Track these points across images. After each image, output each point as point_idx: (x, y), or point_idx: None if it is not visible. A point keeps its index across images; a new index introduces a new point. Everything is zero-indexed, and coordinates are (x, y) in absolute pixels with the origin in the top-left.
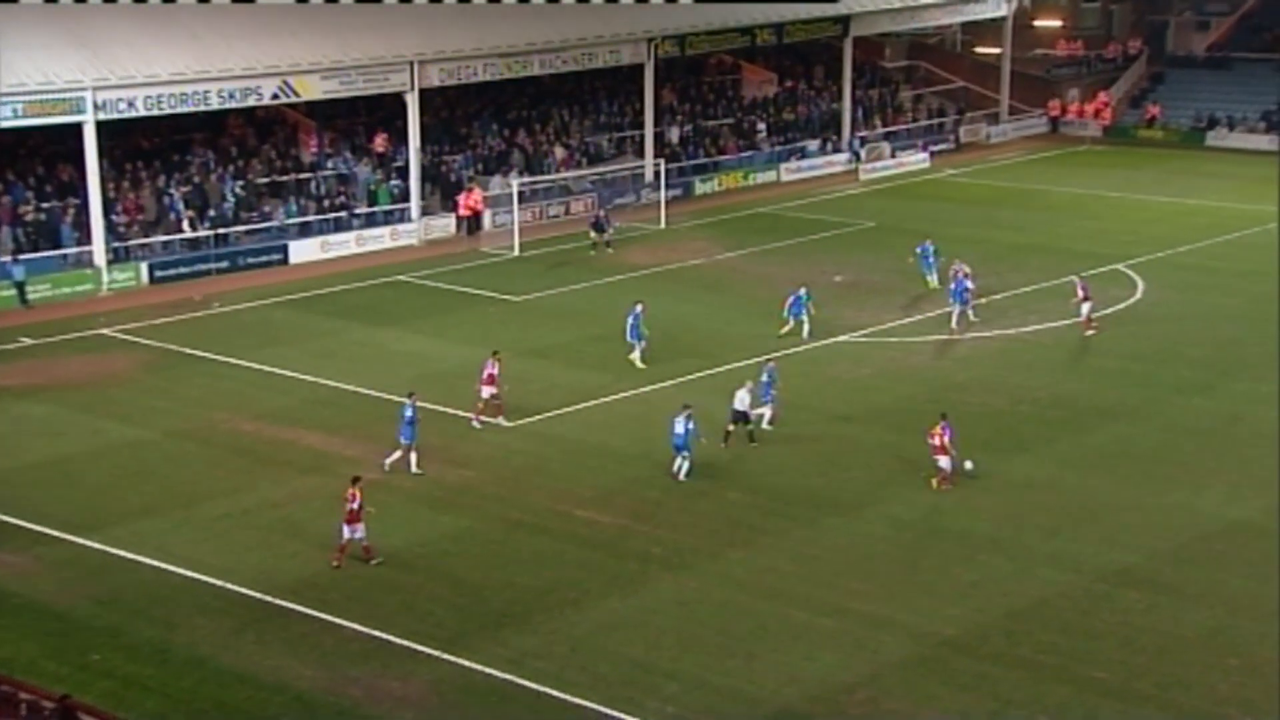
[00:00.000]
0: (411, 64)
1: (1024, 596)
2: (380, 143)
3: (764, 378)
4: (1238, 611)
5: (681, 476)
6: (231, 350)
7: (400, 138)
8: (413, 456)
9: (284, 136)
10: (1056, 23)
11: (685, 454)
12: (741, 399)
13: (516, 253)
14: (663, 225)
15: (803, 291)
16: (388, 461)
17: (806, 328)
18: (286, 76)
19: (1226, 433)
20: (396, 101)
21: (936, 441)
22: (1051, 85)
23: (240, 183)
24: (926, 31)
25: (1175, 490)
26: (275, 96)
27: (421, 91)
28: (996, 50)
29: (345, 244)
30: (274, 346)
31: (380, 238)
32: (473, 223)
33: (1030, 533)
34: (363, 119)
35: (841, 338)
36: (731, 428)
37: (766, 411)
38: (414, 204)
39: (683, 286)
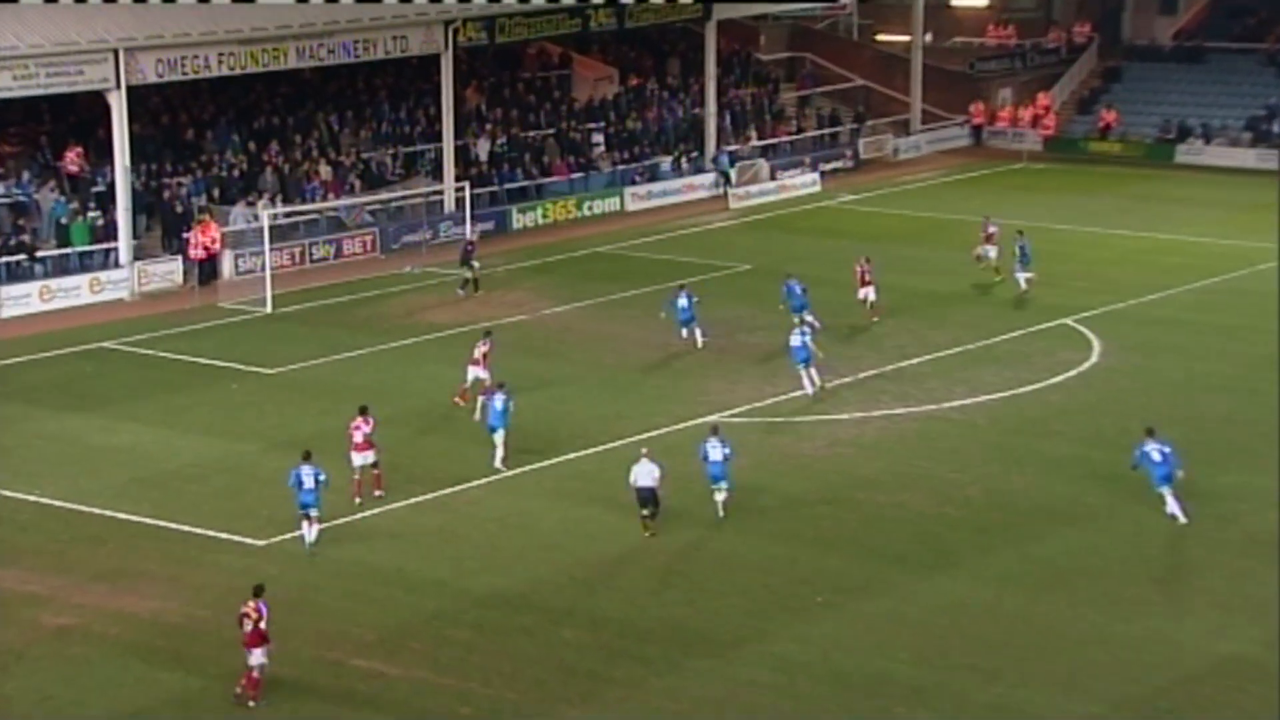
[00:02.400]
0: (116, 52)
1: None
2: (73, 160)
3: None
4: None
5: (720, 513)
6: None
7: (102, 153)
8: (313, 529)
9: None
10: (982, 2)
11: (722, 485)
12: (647, 473)
13: (269, 309)
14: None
15: (682, 300)
16: (308, 537)
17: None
18: None
19: (1213, 540)
20: (97, 104)
21: None
22: (977, 84)
23: None
24: (813, 14)
25: (1149, 617)
26: None
27: (131, 90)
28: (906, 38)
29: (24, 299)
30: None
31: (75, 290)
32: (207, 268)
33: (963, 676)
34: (47, 128)
35: (710, 418)
36: (645, 513)
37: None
38: (123, 243)
39: (499, 351)
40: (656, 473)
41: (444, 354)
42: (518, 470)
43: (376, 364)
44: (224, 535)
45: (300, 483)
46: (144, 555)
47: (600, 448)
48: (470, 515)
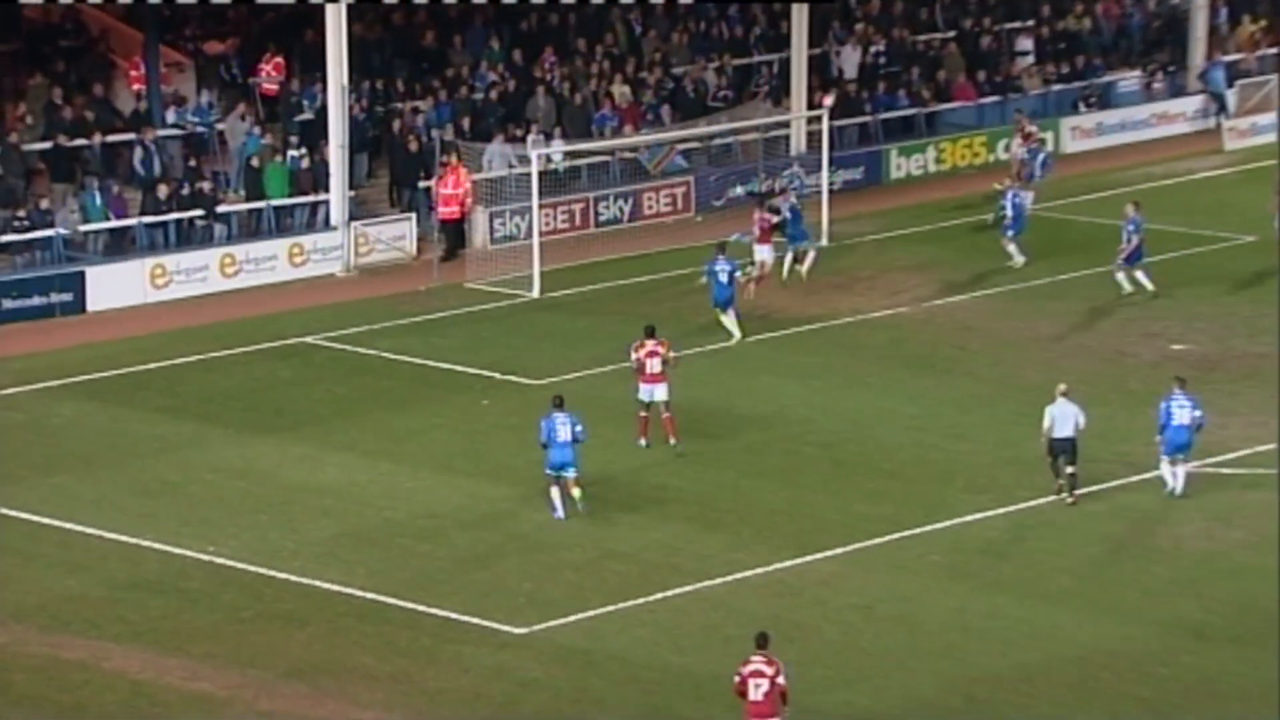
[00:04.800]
0: None
1: None
2: (270, 75)
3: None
4: None
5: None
6: None
7: (310, 66)
8: (575, 492)
9: (82, 63)
10: None
11: (1178, 458)
12: (1066, 417)
13: (535, 292)
14: (825, 239)
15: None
16: (558, 511)
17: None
18: None
19: None
20: (300, 2)
21: None
22: None
23: None
24: None
25: None
26: None
27: None
28: None
29: (199, 274)
30: (53, 474)
31: (269, 261)
32: (451, 232)
33: None
34: (232, 31)
35: (1188, 466)
36: (1069, 471)
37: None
38: (336, 195)
39: (863, 360)
40: (1080, 418)
41: (783, 360)
42: (890, 536)
43: (686, 374)
44: (468, 618)
45: (553, 436)
46: (357, 643)
47: (1014, 506)
48: (820, 599)
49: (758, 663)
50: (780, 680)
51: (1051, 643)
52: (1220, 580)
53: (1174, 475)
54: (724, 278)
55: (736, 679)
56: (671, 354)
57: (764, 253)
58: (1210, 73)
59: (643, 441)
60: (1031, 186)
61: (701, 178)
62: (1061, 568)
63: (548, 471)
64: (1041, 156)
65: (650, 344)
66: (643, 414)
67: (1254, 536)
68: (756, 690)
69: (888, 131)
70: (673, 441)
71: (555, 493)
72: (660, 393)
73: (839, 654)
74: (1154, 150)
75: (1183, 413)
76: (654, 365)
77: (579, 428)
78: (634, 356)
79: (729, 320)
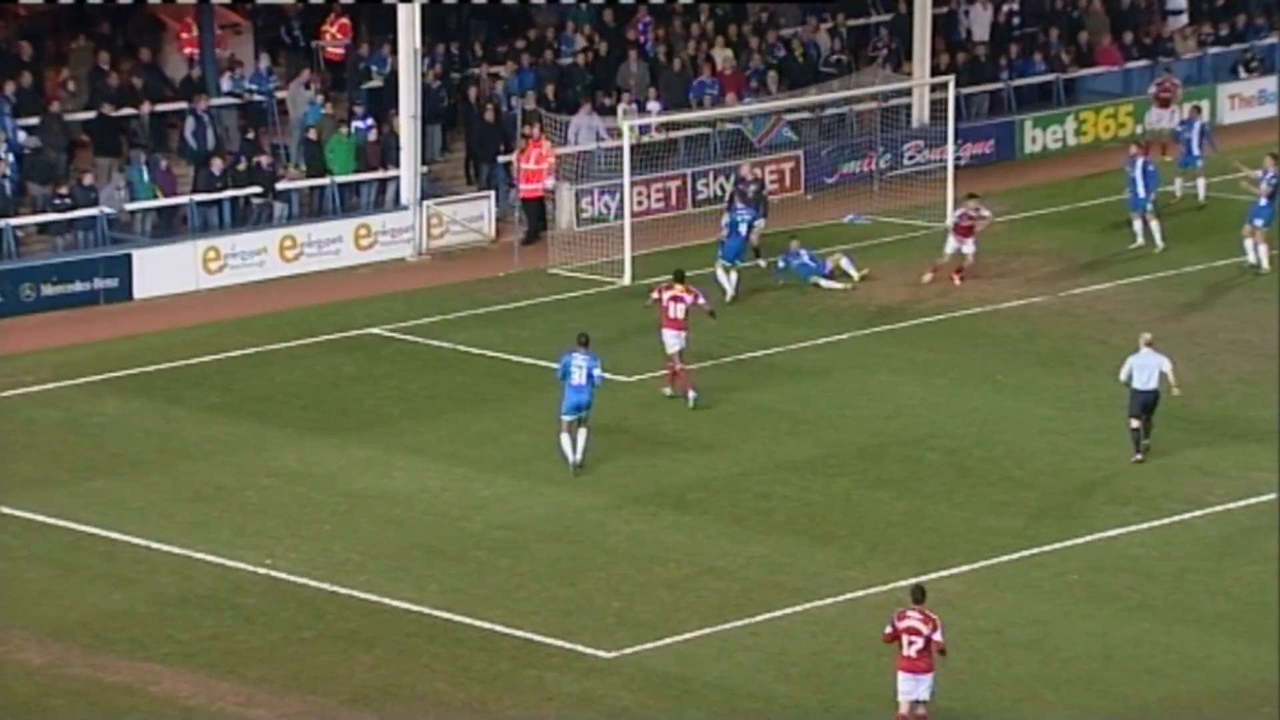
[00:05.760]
0: None
1: None
2: (335, 36)
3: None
4: None
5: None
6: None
7: (378, 28)
8: (580, 441)
9: (129, 24)
10: None
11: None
12: (1149, 368)
13: (627, 279)
14: (950, 222)
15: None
16: (572, 457)
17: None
18: None
19: None
20: None
21: None
22: None
23: (31, 123)
24: None
25: None
26: None
27: None
28: None
29: (256, 257)
30: (95, 479)
31: (333, 244)
32: (534, 212)
33: None
34: None
35: None
36: (1136, 427)
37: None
38: (407, 171)
39: (992, 356)
40: (1165, 366)
41: (902, 356)
42: (1022, 553)
43: (794, 371)
44: (552, 640)
45: (568, 374)
46: (428, 667)
47: (1162, 520)
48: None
49: (914, 618)
50: (938, 637)
51: (1204, 673)
52: None
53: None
54: (742, 228)
55: (889, 629)
56: (702, 301)
57: (966, 246)
58: None
59: (667, 390)
60: (1194, 171)
61: (811, 152)
62: (1215, 589)
63: (563, 416)
64: (1199, 126)
65: (678, 288)
66: (670, 363)
67: None
68: (910, 647)
69: (1021, 100)
70: (692, 395)
71: (566, 440)
72: (676, 342)
73: (964, 684)
74: None
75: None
76: (677, 310)
77: (596, 371)
78: (654, 297)
79: (725, 278)
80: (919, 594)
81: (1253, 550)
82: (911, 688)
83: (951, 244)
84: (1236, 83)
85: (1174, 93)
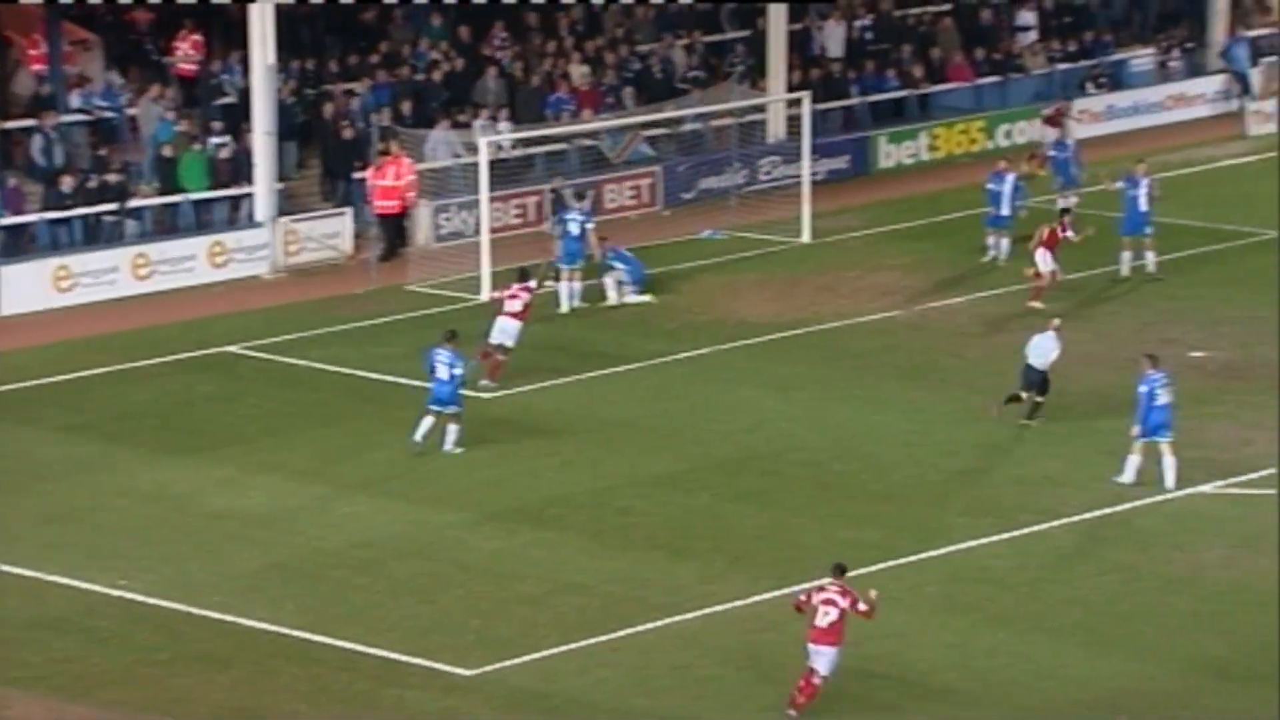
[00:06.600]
0: None
1: None
2: (187, 52)
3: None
4: None
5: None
6: None
7: (231, 44)
8: (451, 430)
9: None
10: None
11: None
12: (1041, 349)
13: (486, 295)
14: (806, 236)
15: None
16: (418, 435)
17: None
18: None
19: None
20: None
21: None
22: None
23: None
24: None
25: None
26: None
27: None
28: None
29: (108, 276)
30: None
31: (187, 262)
32: (392, 229)
33: None
34: (144, 5)
35: (1205, 487)
36: (1023, 396)
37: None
38: (262, 188)
39: (850, 370)
40: (1054, 353)
41: (761, 370)
42: (880, 565)
43: (655, 386)
44: (412, 659)
45: (433, 369)
46: (286, 688)
47: (1018, 531)
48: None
49: (832, 591)
50: (862, 607)
51: (1059, 683)
52: (1245, 613)
53: (1168, 466)
54: (574, 227)
55: (802, 596)
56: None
57: (1045, 261)
58: (1232, 50)
59: (484, 383)
60: (1072, 191)
61: (669, 167)
62: (1071, 599)
63: (428, 405)
64: (1074, 146)
65: (516, 286)
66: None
67: None
68: (824, 618)
69: (876, 116)
70: (485, 382)
71: (426, 421)
72: (506, 333)
73: (823, 697)
74: (1170, 136)
75: (1165, 392)
76: (513, 305)
77: (457, 369)
78: (495, 295)
79: (564, 286)
80: (839, 570)
81: (1105, 560)
82: (815, 657)
83: (1043, 261)
84: (1085, 98)
85: (1068, 115)
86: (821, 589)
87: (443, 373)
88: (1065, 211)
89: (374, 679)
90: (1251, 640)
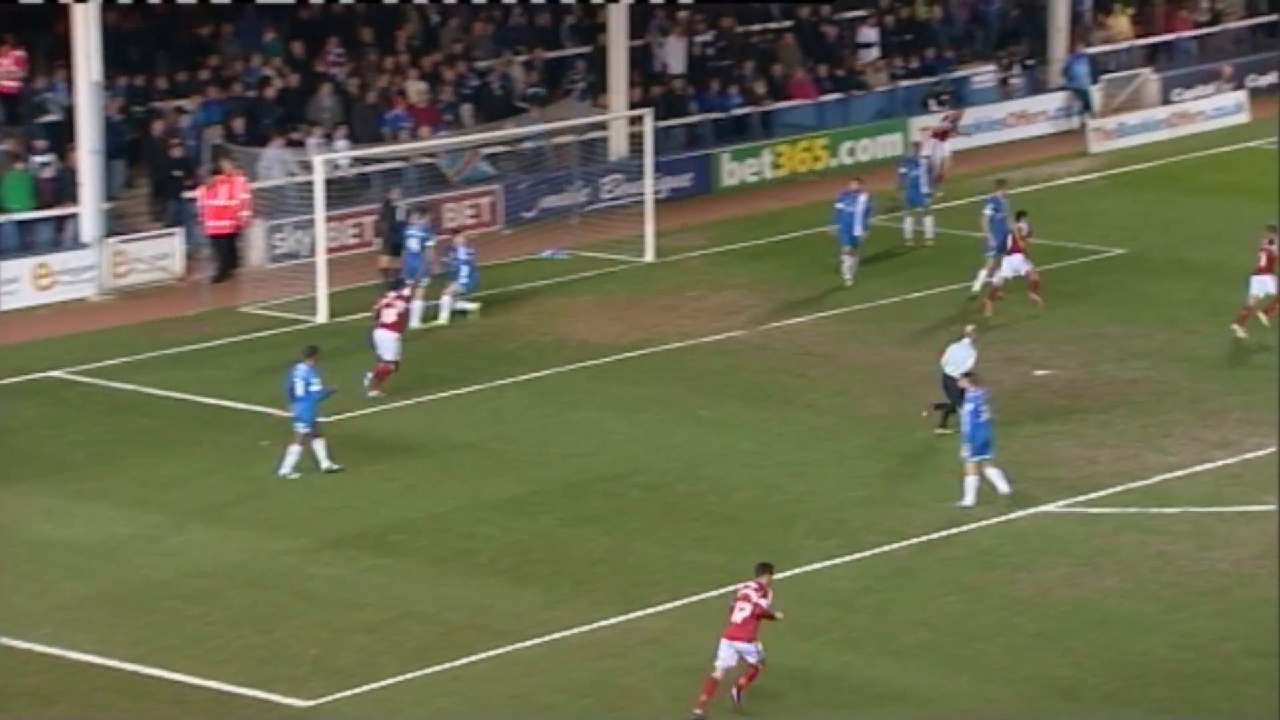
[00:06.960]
0: None
1: None
2: (8, 69)
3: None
4: None
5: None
6: None
7: (55, 60)
8: (317, 447)
9: None
10: None
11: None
12: (956, 360)
13: (322, 316)
14: (649, 256)
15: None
16: (286, 467)
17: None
18: None
19: None
20: None
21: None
22: None
23: None
24: None
25: None
26: None
27: None
28: None
29: None
30: None
31: (11, 284)
32: (224, 249)
33: None
34: None
35: (1050, 506)
36: (938, 404)
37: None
38: (88, 207)
39: (693, 390)
40: (969, 362)
41: (603, 391)
42: (725, 588)
43: (496, 409)
44: (247, 690)
45: (291, 389)
46: None
47: (863, 553)
48: (648, 661)
49: (750, 587)
50: (764, 603)
51: (905, 705)
52: (1091, 632)
53: (996, 476)
54: (414, 243)
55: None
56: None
57: (1269, 285)
58: (1073, 67)
59: (374, 394)
60: (922, 210)
61: (509, 186)
62: (916, 620)
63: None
64: (924, 164)
65: (391, 295)
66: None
67: (1127, 583)
68: (738, 613)
69: (718, 133)
70: (373, 392)
71: (292, 447)
72: (384, 346)
73: None
74: (1011, 153)
75: (987, 409)
76: (388, 315)
77: (314, 386)
78: (374, 308)
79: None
80: (765, 568)
81: (951, 581)
82: (728, 655)
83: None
84: (926, 115)
85: (954, 128)
86: (744, 586)
87: (299, 389)
88: (1022, 214)
89: (207, 712)
90: (1098, 660)
